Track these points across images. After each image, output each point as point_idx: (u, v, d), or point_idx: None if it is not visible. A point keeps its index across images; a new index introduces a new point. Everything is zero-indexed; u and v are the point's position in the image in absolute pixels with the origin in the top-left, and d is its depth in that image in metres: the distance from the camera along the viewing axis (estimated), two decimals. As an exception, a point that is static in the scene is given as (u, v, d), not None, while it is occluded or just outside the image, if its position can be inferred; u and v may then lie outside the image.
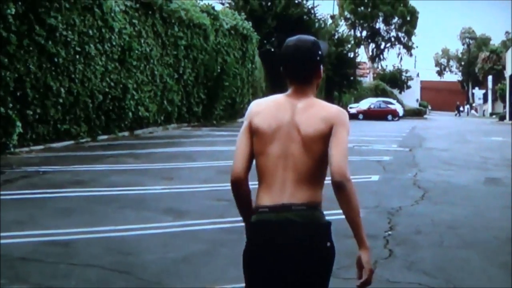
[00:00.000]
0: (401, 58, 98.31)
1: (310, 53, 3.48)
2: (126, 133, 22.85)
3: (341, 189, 3.26)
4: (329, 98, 60.84)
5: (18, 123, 15.86)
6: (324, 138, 3.34)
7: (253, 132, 3.42)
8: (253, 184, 3.46)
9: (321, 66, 3.53)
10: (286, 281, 3.30)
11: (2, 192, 10.66)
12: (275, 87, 46.13)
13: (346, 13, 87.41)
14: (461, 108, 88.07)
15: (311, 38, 3.57)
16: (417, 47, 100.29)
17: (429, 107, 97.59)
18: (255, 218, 3.37)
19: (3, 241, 7.51)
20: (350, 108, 61.64)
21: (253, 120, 3.44)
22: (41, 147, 17.27)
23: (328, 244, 3.44)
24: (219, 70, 32.12)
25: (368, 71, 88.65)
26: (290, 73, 3.51)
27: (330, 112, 3.45)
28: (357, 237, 3.48)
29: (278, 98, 3.55)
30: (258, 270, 3.35)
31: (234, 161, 3.42)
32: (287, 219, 3.28)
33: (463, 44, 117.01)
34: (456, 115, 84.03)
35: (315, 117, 3.39)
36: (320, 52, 3.51)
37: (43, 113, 17.35)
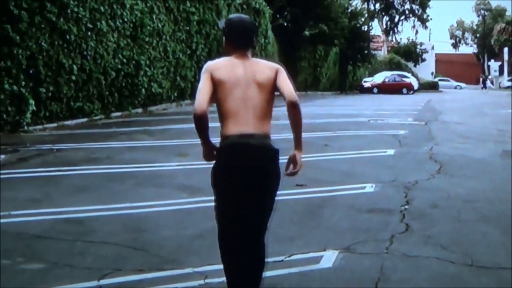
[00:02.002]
0: (416, 31, 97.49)
1: (252, 24, 4.92)
2: (139, 110, 22.86)
3: (295, 106, 4.57)
4: (343, 72, 60.62)
5: (31, 101, 15.89)
6: (273, 82, 4.62)
7: (216, 83, 4.54)
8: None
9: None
10: (248, 188, 4.56)
11: (16, 170, 10.69)
12: (288, 61, 46.02)
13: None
14: (488, 82, 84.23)
15: (247, 17, 4.98)
16: (431, 19, 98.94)
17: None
18: (227, 142, 4.57)
19: (18, 219, 7.53)
20: (365, 82, 61.40)
21: (214, 74, 4.55)
22: (55, 125, 17.31)
23: (277, 164, 4.65)
24: (232, 46, 31.99)
25: (382, 44, 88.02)
26: (237, 41, 4.75)
27: (272, 64, 4.77)
28: (297, 140, 4.78)
29: (229, 59, 4.71)
30: (228, 180, 4.58)
31: (199, 99, 4.45)
32: (251, 144, 4.51)
33: (478, 16, 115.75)
34: (482, 88, 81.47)
35: (264, 68, 4.68)
36: (255, 27, 4.91)
37: (56, 90, 17.36)
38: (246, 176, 4.52)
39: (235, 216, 4.65)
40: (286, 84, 4.61)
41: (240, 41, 4.75)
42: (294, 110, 4.57)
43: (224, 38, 4.85)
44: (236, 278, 4.76)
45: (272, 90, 4.64)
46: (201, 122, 4.46)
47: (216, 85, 4.53)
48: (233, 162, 4.54)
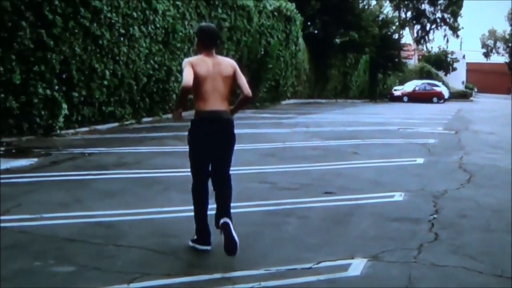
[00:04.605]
0: (447, 40, 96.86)
1: (217, 30, 6.96)
2: (170, 115, 22.95)
3: (248, 101, 6.85)
4: (373, 80, 60.42)
5: (64, 105, 16.06)
6: (233, 76, 6.68)
7: (194, 75, 6.42)
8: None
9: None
10: (213, 150, 6.66)
11: (48, 174, 10.81)
12: (318, 69, 45.99)
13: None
14: None
15: (213, 24, 7.36)
16: (462, 28, 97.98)
17: (475, 90, 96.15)
18: (199, 116, 6.60)
19: (50, 222, 7.63)
20: (395, 90, 61.14)
21: (194, 68, 6.47)
22: (86, 129, 17.47)
23: (233, 129, 6.77)
24: (262, 52, 32.05)
25: (413, 53, 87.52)
26: (206, 43, 6.70)
27: (232, 62, 6.81)
28: (235, 109, 6.98)
29: (200, 57, 6.64)
30: (199, 145, 6.68)
31: (185, 78, 6.35)
32: (216, 117, 6.58)
33: (511, 25, 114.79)
34: None
35: (226, 66, 6.68)
36: (218, 32, 6.96)
37: (88, 95, 17.52)
38: (214, 137, 6.60)
39: (204, 161, 6.78)
40: (243, 82, 6.70)
41: (207, 43, 6.71)
42: (246, 102, 6.91)
43: (196, 40, 6.96)
44: (204, 208, 6.85)
45: (232, 82, 6.68)
46: (186, 92, 6.42)
47: (195, 76, 6.43)
48: (205, 127, 6.58)
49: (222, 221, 6.47)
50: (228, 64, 6.72)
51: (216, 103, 6.56)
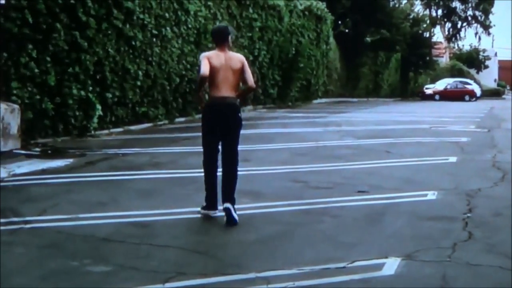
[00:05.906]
0: (479, 38, 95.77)
1: (225, 29, 8.15)
2: (202, 115, 23.04)
3: (252, 91, 8.37)
4: (404, 78, 60.08)
5: (98, 106, 16.23)
6: (241, 69, 7.87)
7: (210, 66, 7.65)
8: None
9: (229, 37, 8.04)
10: (222, 129, 7.91)
11: (84, 174, 10.94)
12: (349, 67, 45.89)
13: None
14: None
15: (225, 25, 8.95)
16: (494, 26, 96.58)
17: (508, 87, 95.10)
18: (211, 101, 7.95)
19: (86, 222, 7.72)
20: (426, 88, 60.70)
21: (210, 60, 7.68)
22: (120, 129, 17.63)
23: (240, 114, 8.02)
24: (293, 52, 32.04)
25: (444, 51, 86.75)
26: (218, 40, 7.98)
27: (241, 57, 8.05)
28: (241, 96, 8.41)
29: (215, 52, 7.89)
30: (210, 125, 7.98)
31: (203, 68, 7.60)
32: (225, 102, 7.83)
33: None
34: None
35: (236, 60, 7.90)
36: (228, 31, 8.10)
37: (122, 96, 17.68)
38: (223, 118, 7.85)
39: (212, 139, 8.03)
40: (248, 74, 7.93)
41: (218, 40, 7.99)
42: (249, 92, 8.56)
43: (212, 38, 8.33)
44: (211, 179, 8.24)
45: (240, 74, 7.85)
46: (203, 81, 7.74)
47: (210, 67, 7.61)
48: (216, 110, 7.86)
49: (224, 206, 7.74)
50: (237, 59, 7.95)
51: (225, 90, 7.81)
